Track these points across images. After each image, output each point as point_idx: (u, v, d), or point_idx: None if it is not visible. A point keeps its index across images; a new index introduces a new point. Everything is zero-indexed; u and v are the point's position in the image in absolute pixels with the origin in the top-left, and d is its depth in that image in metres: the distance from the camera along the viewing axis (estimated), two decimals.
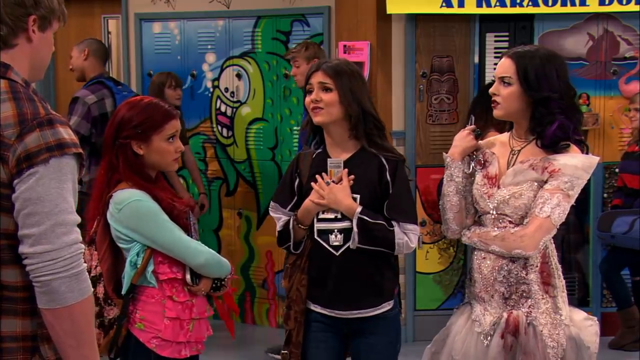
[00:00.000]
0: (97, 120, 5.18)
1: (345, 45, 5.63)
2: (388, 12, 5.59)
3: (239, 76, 6.16)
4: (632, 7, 5.55)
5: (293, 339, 3.23)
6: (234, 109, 6.23)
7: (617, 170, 5.70)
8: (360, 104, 3.14)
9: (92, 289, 2.08)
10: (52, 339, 2.06)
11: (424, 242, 5.85)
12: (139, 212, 3.01)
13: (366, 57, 5.55)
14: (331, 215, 3.17)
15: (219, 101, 6.27)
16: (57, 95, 7.08)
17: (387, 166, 3.17)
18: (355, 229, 3.11)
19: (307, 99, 3.18)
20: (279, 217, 3.27)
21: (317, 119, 3.17)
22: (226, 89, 6.23)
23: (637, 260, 5.54)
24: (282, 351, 3.26)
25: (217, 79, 6.24)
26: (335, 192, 3.13)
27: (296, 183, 3.26)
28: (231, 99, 6.23)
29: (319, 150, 3.26)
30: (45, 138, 1.99)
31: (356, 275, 3.17)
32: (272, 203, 3.33)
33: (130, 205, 3.00)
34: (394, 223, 3.15)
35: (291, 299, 3.23)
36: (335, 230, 3.17)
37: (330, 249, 3.17)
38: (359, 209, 3.12)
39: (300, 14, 5.93)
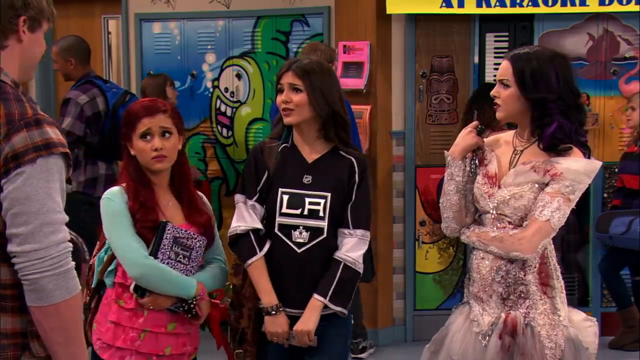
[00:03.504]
0: (90, 120, 5.20)
1: (345, 45, 5.63)
2: (388, 12, 5.59)
3: (238, 76, 6.17)
4: (632, 7, 5.53)
5: (248, 337, 3.17)
6: (234, 109, 6.24)
7: (617, 170, 5.69)
8: (330, 104, 3.13)
9: (80, 287, 2.09)
10: (41, 336, 2.07)
11: (423, 242, 5.85)
12: (105, 209, 3.03)
13: (366, 57, 5.55)
14: (296, 211, 3.12)
15: (218, 101, 6.28)
16: (57, 96, 7.09)
17: (357, 168, 3.16)
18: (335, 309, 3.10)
19: (278, 99, 3.17)
20: (240, 213, 3.20)
21: (287, 120, 3.16)
22: (226, 89, 6.24)
23: (636, 260, 5.52)
24: (237, 350, 3.19)
25: (217, 79, 6.25)
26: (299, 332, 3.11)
27: (264, 177, 3.18)
28: (231, 99, 6.24)
29: (286, 144, 3.21)
30: (32, 138, 2.00)
31: (312, 274, 3.12)
32: (238, 196, 3.25)
33: (102, 201, 3.04)
34: (341, 231, 3.13)
35: (244, 296, 3.17)
36: (301, 227, 3.12)
37: (292, 245, 3.12)
38: (320, 298, 3.09)
39: (300, 14, 5.94)
